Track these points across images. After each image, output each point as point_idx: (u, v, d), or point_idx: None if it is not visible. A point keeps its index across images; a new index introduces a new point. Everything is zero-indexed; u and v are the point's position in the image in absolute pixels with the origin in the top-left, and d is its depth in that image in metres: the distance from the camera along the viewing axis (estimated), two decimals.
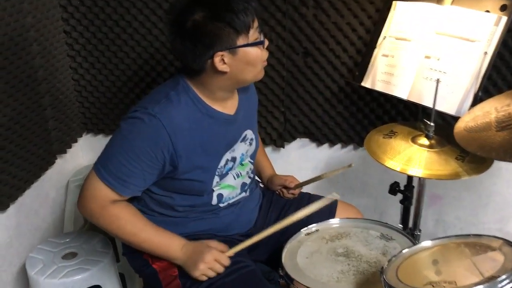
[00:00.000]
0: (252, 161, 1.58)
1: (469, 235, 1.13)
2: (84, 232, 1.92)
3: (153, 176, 1.36)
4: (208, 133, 1.38)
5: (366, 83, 1.81)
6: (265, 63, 1.40)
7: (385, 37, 1.77)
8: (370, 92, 1.97)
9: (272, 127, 2.17)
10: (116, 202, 1.36)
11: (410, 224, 1.90)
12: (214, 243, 1.41)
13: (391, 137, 1.60)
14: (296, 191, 1.69)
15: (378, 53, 1.78)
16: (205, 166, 1.40)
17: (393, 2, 1.77)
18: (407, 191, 1.82)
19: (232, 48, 1.28)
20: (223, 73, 1.32)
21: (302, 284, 1.30)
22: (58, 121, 2.07)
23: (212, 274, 1.37)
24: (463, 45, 1.53)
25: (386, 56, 1.75)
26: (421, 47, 1.63)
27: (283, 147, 2.22)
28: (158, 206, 1.46)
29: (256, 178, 1.77)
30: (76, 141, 2.24)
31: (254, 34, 1.31)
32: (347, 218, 1.59)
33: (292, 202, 1.69)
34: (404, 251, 1.16)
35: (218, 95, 1.40)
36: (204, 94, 1.38)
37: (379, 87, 1.75)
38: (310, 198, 1.71)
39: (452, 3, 1.61)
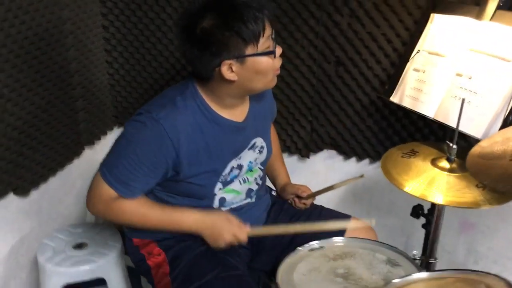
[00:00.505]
0: (262, 168, 1.54)
1: (472, 270, 1.03)
2: (101, 224, 1.94)
3: (156, 180, 1.37)
4: (213, 139, 1.36)
5: (395, 98, 1.72)
6: (278, 72, 1.36)
7: (419, 50, 1.68)
8: (402, 107, 1.87)
9: (299, 136, 2.12)
10: (121, 197, 1.37)
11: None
12: (234, 220, 1.41)
13: (410, 157, 1.51)
14: (308, 202, 1.64)
15: (410, 67, 1.69)
16: (208, 172, 1.38)
17: (432, 14, 1.67)
18: (430, 215, 1.71)
19: (240, 57, 1.25)
20: (231, 81, 1.29)
21: None
22: (89, 113, 2.11)
23: (227, 247, 1.40)
24: (497, 64, 1.42)
25: (418, 71, 1.65)
26: (453, 64, 1.53)
27: (308, 157, 2.16)
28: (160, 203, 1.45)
29: (269, 185, 1.73)
30: (106, 134, 2.28)
31: (265, 43, 1.27)
32: (354, 237, 1.51)
33: (303, 213, 1.63)
34: (394, 280, 1.08)
35: (227, 102, 1.37)
36: (213, 100, 1.36)
37: (406, 103, 1.66)
38: (322, 211, 1.65)
39: (492, 18, 1.49)
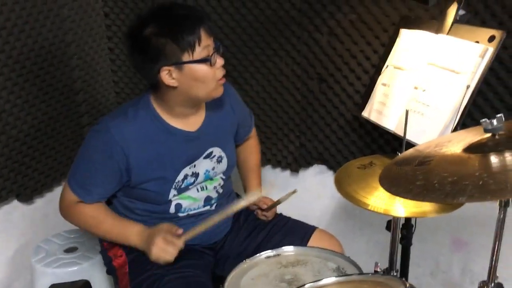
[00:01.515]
0: (224, 177, 1.61)
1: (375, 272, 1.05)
2: None
3: (112, 185, 1.48)
4: (164, 147, 1.46)
5: (365, 112, 1.75)
6: (221, 81, 1.43)
7: (387, 65, 1.71)
8: None
9: (288, 151, 2.18)
10: (79, 202, 1.49)
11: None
12: (165, 226, 1.45)
13: (365, 168, 1.53)
14: (269, 214, 1.68)
15: (379, 82, 1.72)
16: (160, 179, 1.47)
17: (400, 29, 1.70)
18: (404, 229, 1.71)
19: (177, 64, 1.35)
20: (174, 88, 1.39)
21: None
22: None
23: (167, 257, 1.42)
24: (449, 77, 1.43)
25: (384, 85, 1.68)
26: (412, 77, 1.55)
27: (298, 172, 2.21)
28: (123, 208, 1.56)
29: (239, 193, 1.79)
30: None
31: (202, 52, 1.36)
32: (312, 247, 1.54)
33: (266, 224, 1.68)
34: (306, 285, 1.12)
35: (177, 111, 1.46)
36: (163, 109, 1.46)
37: (373, 117, 1.68)
38: (287, 222, 1.69)
39: (448, 32, 1.51)
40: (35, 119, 1.98)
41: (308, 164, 2.19)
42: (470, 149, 1.03)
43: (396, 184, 0.99)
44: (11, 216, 1.99)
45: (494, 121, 1.01)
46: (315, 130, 2.09)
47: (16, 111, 1.90)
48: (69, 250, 1.91)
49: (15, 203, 1.99)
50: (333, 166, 2.13)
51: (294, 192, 1.59)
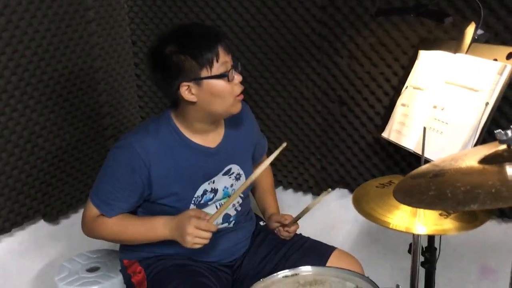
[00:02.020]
0: (242, 196, 1.62)
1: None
2: (116, 250, 2.10)
3: (134, 199, 1.50)
4: (184, 162, 1.48)
5: (385, 133, 1.75)
6: (239, 97, 1.47)
7: (407, 86, 1.71)
8: None
9: (309, 174, 2.18)
10: (102, 215, 1.53)
11: None
12: (192, 212, 1.44)
13: (384, 187, 1.52)
14: (292, 229, 1.67)
15: (399, 102, 1.72)
16: (179, 194, 1.49)
17: (419, 50, 1.71)
18: (427, 253, 1.68)
19: (196, 79, 1.40)
20: (193, 103, 1.43)
21: None
22: None
23: (202, 241, 1.41)
24: (467, 95, 1.43)
25: (404, 105, 1.68)
26: (431, 96, 1.55)
27: (319, 196, 2.19)
28: None
29: (260, 214, 1.80)
30: None
31: (220, 68, 1.41)
32: (331, 267, 1.52)
33: (285, 243, 1.67)
34: None
35: (197, 127, 1.50)
36: (184, 125, 1.50)
37: (392, 137, 1.68)
38: (306, 242, 1.68)
39: (467, 52, 1.51)
40: (63, 141, 2.05)
41: (329, 187, 2.17)
42: (485, 160, 1.02)
43: (409, 195, 0.99)
44: (37, 235, 2.04)
45: (509, 132, 1.00)
46: (336, 153, 2.09)
47: (45, 133, 1.97)
48: (91, 270, 1.93)
49: (41, 223, 2.04)
50: (354, 189, 2.11)
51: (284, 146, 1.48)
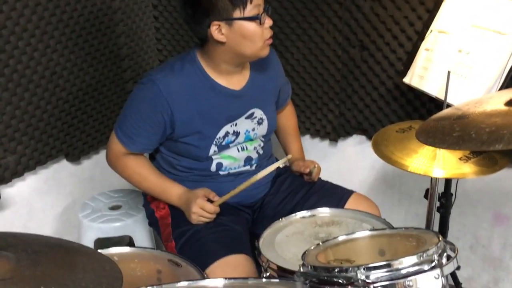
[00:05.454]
0: (263, 139, 1.64)
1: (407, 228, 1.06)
2: (137, 190, 2.15)
3: (157, 137, 1.53)
4: (207, 103, 1.50)
5: (407, 78, 1.73)
6: (269, 41, 1.46)
7: (431, 30, 1.68)
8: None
9: (327, 120, 2.18)
10: (128, 155, 1.56)
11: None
12: (201, 191, 1.53)
13: (404, 132, 1.52)
14: (314, 175, 1.69)
15: (422, 47, 1.70)
16: (202, 133, 1.52)
17: None
18: (443, 198, 1.70)
19: (228, 20, 1.38)
20: (222, 43, 1.42)
21: (264, 256, 1.33)
22: None
23: (205, 219, 1.52)
24: (494, 39, 1.40)
25: (428, 50, 1.66)
26: (456, 40, 1.52)
27: (336, 141, 2.21)
28: (166, 164, 1.63)
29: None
30: None
31: (252, 10, 1.39)
32: (346, 209, 1.56)
33: (305, 185, 1.69)
34: (339, 237, 1.14)
35: (222, 68, 1.50)
36: (209, 66, 1.50)
37: (414, 82, 1.67)
38: (324, 185, 1.70)
39: None
40: (83, 83, 2.06)
41: (347, 133, 2.18)
42: (511, 102, 1.01)
43: (432, 136, 0.99)
44: (60, 174, 2.09)
45: None
46: (355, 99, 2.08)
47: (66, 74, 1.97)
48: (113, 208, 1.99)
49: (64, 162, 2.09)
50: (372, 136, 2.11)
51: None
